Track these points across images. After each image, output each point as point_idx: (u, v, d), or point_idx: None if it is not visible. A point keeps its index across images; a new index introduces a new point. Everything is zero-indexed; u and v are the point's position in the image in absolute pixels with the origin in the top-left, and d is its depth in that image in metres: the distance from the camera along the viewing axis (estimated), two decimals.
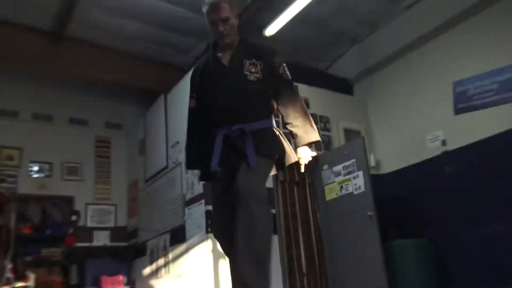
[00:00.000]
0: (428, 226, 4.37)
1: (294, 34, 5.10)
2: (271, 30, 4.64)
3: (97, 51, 4.98)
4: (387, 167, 4.98)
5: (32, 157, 5.17)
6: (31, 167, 5.16)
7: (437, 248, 4.23)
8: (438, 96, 4.46)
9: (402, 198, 4.68)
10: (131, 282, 5.01)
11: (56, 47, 4.72)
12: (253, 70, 2.03)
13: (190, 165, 2.24)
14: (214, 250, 3.67)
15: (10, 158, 5.03)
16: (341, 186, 4.32)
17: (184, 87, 4.00)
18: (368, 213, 3.95)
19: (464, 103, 4.20)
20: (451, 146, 4.29)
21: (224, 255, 2.08)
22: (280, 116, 2.18)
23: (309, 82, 4.96)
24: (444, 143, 4.35)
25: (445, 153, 4.31)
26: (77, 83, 5.46)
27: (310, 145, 2.06)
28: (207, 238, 3.74)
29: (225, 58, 2.08)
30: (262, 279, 1.72)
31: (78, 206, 5.27)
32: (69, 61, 4.85)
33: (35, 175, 5.16)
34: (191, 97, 2.19)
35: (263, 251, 1.75)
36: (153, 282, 4.56)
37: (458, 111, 4.24)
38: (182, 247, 4.10)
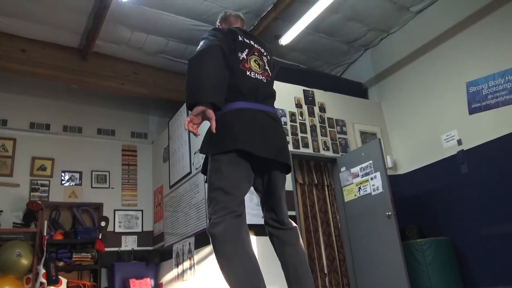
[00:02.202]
0: (447, 224, 4.36)
1: (308, 42, 5.25)
2: (286, 39, 4.74)
3: (122, 65, 5.20)
4: (404, 168, 4.99)
5: (63, 167, 5.36)
6: (62, 176, 5.34)
7: (457, 246, 4.23)
8: (452, 97, 4.48)
9: (420, 198, 4.70)
10: (157, 284, 5.06)
11: (84, 63, 4.94)
12: None
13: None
14: None
15: (43, 168, 5.23)
16: (359, 188, 4.37)
17: None
18: (387, 213, 4.00)
19: (478, 103, 4.22)
20: (467, 145, 4.30)
21: None
22: None
23: (325, 88, 5.07)
24: (459, 142, 4.38)
25: (461, 152, 4.33)
26: (104, 96, 5.69)
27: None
28: None
29: None
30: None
31: (107, 212, 5.38)
32: (96, 75, 5.04)
33: (66, 184, 5.33)
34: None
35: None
36: (179, 284, 4.58)
37: (472, 110, 4.27)
38: (206, 250, 4.12)
